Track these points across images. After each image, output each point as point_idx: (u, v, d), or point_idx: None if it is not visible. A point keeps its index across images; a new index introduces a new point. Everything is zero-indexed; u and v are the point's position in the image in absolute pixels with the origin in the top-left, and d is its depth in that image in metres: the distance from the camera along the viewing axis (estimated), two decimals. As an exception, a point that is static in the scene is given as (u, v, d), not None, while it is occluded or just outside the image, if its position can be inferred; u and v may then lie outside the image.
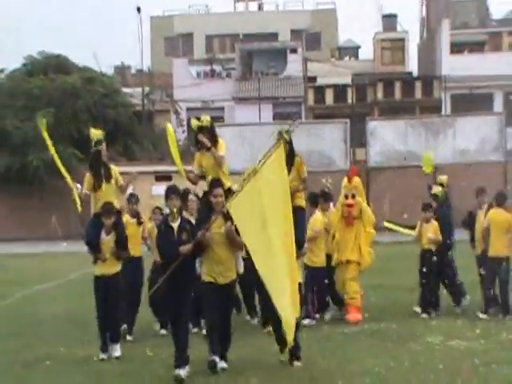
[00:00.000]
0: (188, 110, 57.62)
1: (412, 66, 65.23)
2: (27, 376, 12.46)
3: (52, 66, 52.57)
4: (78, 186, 14.42)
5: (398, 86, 57.80)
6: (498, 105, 54.09)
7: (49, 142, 15.17)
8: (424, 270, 17.34)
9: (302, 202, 14.31)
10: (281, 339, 12.13)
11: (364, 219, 16.67)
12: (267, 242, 11.30)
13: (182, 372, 11.50)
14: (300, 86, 58.48)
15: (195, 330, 14.86)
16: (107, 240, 13.32)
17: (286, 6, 72.79)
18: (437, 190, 18.22)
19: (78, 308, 18.06)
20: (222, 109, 56.24)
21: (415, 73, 64.03)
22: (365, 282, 17.88)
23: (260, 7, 74.09)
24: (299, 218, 12.95)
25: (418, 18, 70.26)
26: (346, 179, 16.80)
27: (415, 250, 18.00)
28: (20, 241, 44.38)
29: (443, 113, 54.74)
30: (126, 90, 56.79)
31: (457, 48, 58.22)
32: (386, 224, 19.65)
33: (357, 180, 16.84)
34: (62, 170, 15.22)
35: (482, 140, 46.53)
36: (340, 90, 58.67)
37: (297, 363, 12.25)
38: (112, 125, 46.19)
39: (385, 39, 65.04)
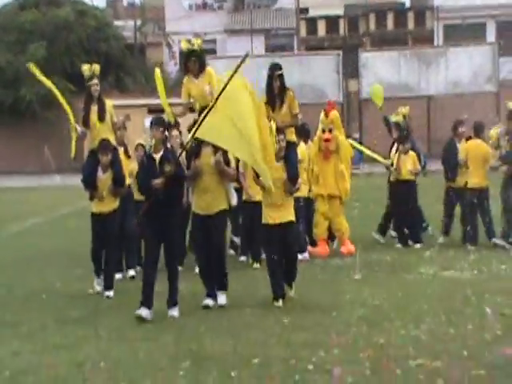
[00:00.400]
0: (180, 42, 57.33)
1: (404, -5, 64.93)
2: (23, 309, 12.56)
3: (44, 0, 52.27)
4: (78, 127, 14.14)
5: (390, 16, 57.77)
6: (491, 34, 53.96)
7: (48, 83, 14.58)
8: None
9: (293, 136, 13.87)
10: (277, 287, 12.12)
11: (340, 154, 16.69)
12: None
13: (175, 313, 11.49)
14: (292, 17, 58.33)
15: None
16: (104, 178, 13.02)
17: None
18: (398, 118, 18.29)
19: (72, 242, 18.13)
20: (214, 41, 56.07)
21: (408, 3, 63.63)
22: (356, 213, 18.11)
23: None
24: (291, 152, 12.79)
25: None
26: (322, 113, 16.77)
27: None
28: (14, 174, 44.59)
29: (436, 43, 54.61)
30: (117, 23, 56.71)
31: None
32: (364, 149, 19.67)
33: (334, 114, 16.76)
34: (67, 108, 14.67)
35: (475, 70, 46.57)
36: (332, 22, 58.60)
37: (290, 293, 12.39)
38: (104, 58, 46.11)
39: (376, -32, 64.67)
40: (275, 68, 14.19)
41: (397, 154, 17.61)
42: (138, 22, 57.11)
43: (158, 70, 15.64)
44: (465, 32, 53.92)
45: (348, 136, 18.79)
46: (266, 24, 57.69)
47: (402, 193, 17.75)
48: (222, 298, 12.07)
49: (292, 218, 12.29)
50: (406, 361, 9.11)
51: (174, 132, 14.74)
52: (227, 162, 11.83)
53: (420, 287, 13.34)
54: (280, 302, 11.85)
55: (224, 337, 10.28)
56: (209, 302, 11.92)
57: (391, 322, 10.89)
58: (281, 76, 13.94)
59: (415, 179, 17.93)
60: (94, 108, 13.73)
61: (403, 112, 18.21)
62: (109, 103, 14.08)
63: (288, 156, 12.31)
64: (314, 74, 47.08)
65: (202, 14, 59.34)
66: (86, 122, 13.69)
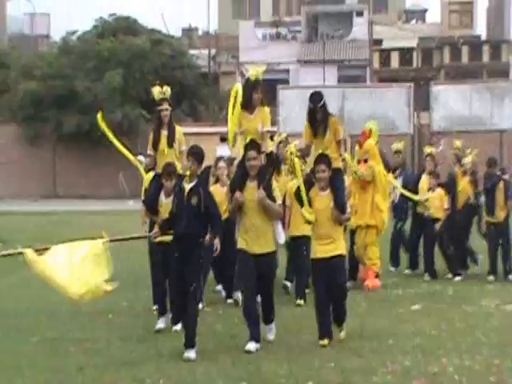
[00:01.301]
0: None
1: (480, 29, 64.72)
2: (89, 326, 12.83)
3: (121, 28, 53.08)
4: (140, 157, 14.12)
5: (465, 49, 57.57)
6: None
7: (111, 136, 14.13)
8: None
9: (339, 163, 13.02)
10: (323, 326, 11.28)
11: (377, 185, 16.28)
12: None
13: (191, 354, 10.43)
14: (365, 49, 58.37)
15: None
16: (166, 203, 12.09)
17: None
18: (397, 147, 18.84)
19: (140, 265, 18.23)
20: (287, 71, 56.37)
21: (483, 36, 63.44)
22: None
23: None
24: (337, 180, 11.96)
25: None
26: (357, 145, 16.67)
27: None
28: (89, 198, 45.08)
29: (511, 77, 54.33)
30: (192, 51, 57.20)
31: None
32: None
33: (369, 144, 16.40)
34: (127, 154, 14.22)
35: (549, 106, 46.21)
36: (406, 54, 58.55)
37: (342, 334, 11.55)
38: (178, 86, 46.39)
39: (453, 2, 64.70)
40: (316, 100, 13.56)
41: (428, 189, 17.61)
42: (213, 52, 57.63)
43: (238, 85, 14.12)
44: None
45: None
46: (339, 55, 57.80)
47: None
48: (270, 333, 11.44)
49: (342, 251, 11.52)
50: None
51: (221, 163, 14.57)
52: (272, 198, 10.96)
53: (479, 319, 13.23)
54: (325, 341, 11.00)
55: (280, 360, 10.33)
56: (251, 346, 10.82)
57: (447, 351, 10.88)
58: (322, 107, 13.29)
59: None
60: (164, 133, 13.59)
61: (398, 147, 18.64)
62: (179, 130, 13.86)
63: (334, 183, 11.49)
64: (385, 105, 46.92)
65: (275, 44, 59.59)
66: (155, 146, 13.56)
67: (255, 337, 10.83)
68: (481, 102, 46.47)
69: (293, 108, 41.51)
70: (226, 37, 61.94)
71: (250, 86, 12.90)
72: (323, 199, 11.16)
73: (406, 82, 50.22)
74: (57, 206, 39.55)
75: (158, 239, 12.13)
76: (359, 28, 59.12)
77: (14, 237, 25.18)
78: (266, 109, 13.07)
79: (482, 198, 18.11)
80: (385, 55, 58.60)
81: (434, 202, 17.29)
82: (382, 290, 16.20)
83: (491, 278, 17.21)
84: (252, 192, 10.88)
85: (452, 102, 46.75)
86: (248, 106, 12.80)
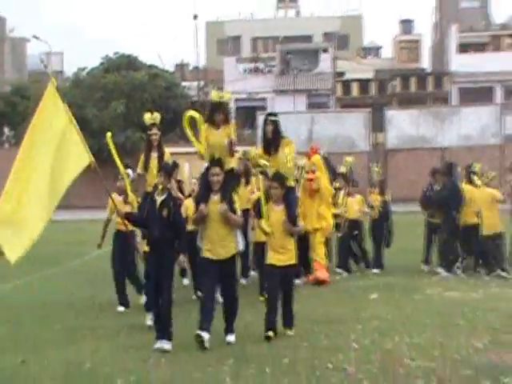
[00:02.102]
0: (236, 100, 57.97)
1: (425, 63, 64.93)
2: (101, 316, 12.91)
3: (124, 65, 53.10)
4: (129, 171, 13.56)
5: (413, 80, 57.72)
6: (498, 97, 53.85)
7: (113, 151, 12.82)
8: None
9: (291, 182, 12.79)
10: (270, 322, 10.74)
11: (321, 195, 16.04)
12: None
13: (166, 345, 10.09)
14: (330, 80, 58.54)
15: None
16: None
17: (320, 13, 72.75)
18: (343, 169, 18.42)
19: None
20: (265, 99, 56.51)
21: (428, 69, 63.69)
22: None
23: (297, 14, 74.00)
24: (290, 195, 11.48)
25: (430, 22, 70.12)
26: (306, 158, 16.25)
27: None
28: (95, 208, 45.01)
29: (451, 103, 54.66)
30: (184, 83, 57.25)
31: (463, 48, 57.98)
32: None
33: (316, 158, 16.20)
34: (120, 165, 13.20)
35: (483, 127, 46.54)
36: (364, 84, 58.71)
37: (290, 332, 11.00)
38: (172, 113, 46.44)
39: (402, 40, 64.87)
40: (269, 114, 13.84)
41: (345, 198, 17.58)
42: (201, 83, 57.72)
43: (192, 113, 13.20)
44: (476, 94, 53.96)
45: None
46: (308, 85, 57.78)
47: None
48: (231, 337, 10.62)
49: (294, 261, 10.99)
50: (408, 362, 9.29)
51: (193, 180, 14.20)
52: (234, 210, 10.37)
53: (425, 305, 13.38)
54: (271, 333, 10.51)
55: (261, 342, 10.43)
56: (230, 339, 10.51)
57: (399, 332, 11.01)
58: (274, 122, 13.30)
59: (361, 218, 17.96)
60: (154, 155, 13.34)
61: (349, 161, 18.11)
62: (167, 151, 13.58)
63: (287, 199, 11.02)
64: (347, 128, 47.27)
65: (254, 76, 59.57)
66: (146, 167, 13.35)
67: (206, 328, 10.16)
68: (426, 124, 47.01)
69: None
70: (212, 71, 62.03)
71: (213, 107, 12.44)
72: (277, 213, 10.76)
73: (364, 108, 50.56)
74: (70, 216, 39.48)
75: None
76: (324, 63, 59.30)
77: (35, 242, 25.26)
78: (232, 124, 12.70)
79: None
80: (346, 85, 58.65)
81: (354, 205, 17.46)
82: (345, 283, 16.25)
83: (440, 270, 17.12)
84: (215, 204, 10.30)
85: (403, 124, 47.27)
86: (213, 123, 12.35)
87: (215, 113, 12.33)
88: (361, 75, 59.52)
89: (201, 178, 12.02)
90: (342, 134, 46.57)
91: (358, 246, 18.06)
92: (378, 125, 48.03)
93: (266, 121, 13.40)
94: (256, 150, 13.35)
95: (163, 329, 10.17)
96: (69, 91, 49.53)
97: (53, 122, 10.41)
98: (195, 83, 57.27)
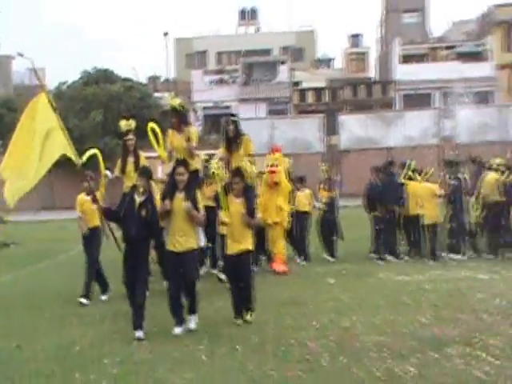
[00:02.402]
0: (204, 108, 58.14)
1: (372, 72, 65.34)
2: (87, 305, 12.60)
3: (101, 78, 52.80)
4: (107, 172, 13.30)
5: (361, 88, 58.05)
6: (437, 102, 54.34)
7: (99, 156, 12.90)
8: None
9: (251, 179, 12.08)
10: (236, 306, 10.76)
11: (280, 189, 15.94)
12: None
13: (140, 334, 9.87)
14: (287, 89, 58.66)
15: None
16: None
17: (277, 29, 72.88)
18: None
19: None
20: (229, 107, 56.44)
21: (375, 78, 64.09)
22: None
23: (257, 30, 74.11)
24: (249, 190, 11.16)
25: (376, 37, 70.61)
26: (269, 154, 16.17)
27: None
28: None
29: (396, 108, 55.06)
30: (156, 94, 57.12)
31: (405, 59, 58.42)
32: None
33: (278, 154, 16.12)
34: (101, 165, 13.04)
35: (424, 129, 47.00)
36: (318, 92, 58.94)
37: (249, 317, 10.69)
38: (146, 121, 45.95)
39: (352, 53, 65.28)
40: (231, 115, 14.11)
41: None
42: (172, 94, 57.62)
43: (152, 125, 13.73)
44: (417, 99, 54.40)
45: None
46: (268, 94, 57.93)
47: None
48: (192, 323, 10.32)
49: (250, 247, 10.78)
50: (362, 337, 9.48)
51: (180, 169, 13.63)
52: (197, 208, 10.18)
53: (377, 288, 13.50)
54: (239, 321, 10.52)
55: (232, 324, 10.48)
56: (177, 330, 10.14)
57: (355, 312, 11.16)
58: (235, 122, 13.49)
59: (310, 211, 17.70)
60: (131, 159, 13.16)
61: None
62: (142, 155, 13.35)
63: (246, 193, 10.84)
64: (303, 131, 47.48)
65: (219, 87, 59.58)
66: (123, 170, 13.15)
67: (193, 310, 10.33)
68: (374, 127, 47.44)
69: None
70: (181, 82, 61.96)
71: (170, 113, 12.58)
72: (237, 205, 10.64)
73: (318, 114, 50.83)
74: (55, 216, 39.25)
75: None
76: (282, 73, 59.44)
77: (24, 240, 25.17)
78: (193, 129, 12.52)
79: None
80: (302, 93, 58.74)
81: (303, 199, 17.36)
82: (307, 269, 16.26)
83: (389, 257, 17.25)
84: (180, 201, 10.11)
85: (353, 127, 47.64)
86: (175, 128, 12.36)
87: (171, 118, 12.48)
88: (315, 84, 59.73)
89: (168, 177, 11.64)
90: (299, 137, 46.80)
91: (303, 238, 17.75)
92: (331, 128, 48.30)
93: (227, 121, 13.52)
94: (217, 164, 12.42)
95: (139, 318, 10.04)
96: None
97: (43, 121, 10.71)
98: (166, 94, 57.17)
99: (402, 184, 17.62)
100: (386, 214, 17.43)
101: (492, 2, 62.24)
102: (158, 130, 13.35)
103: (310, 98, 58.77)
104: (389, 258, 17.26)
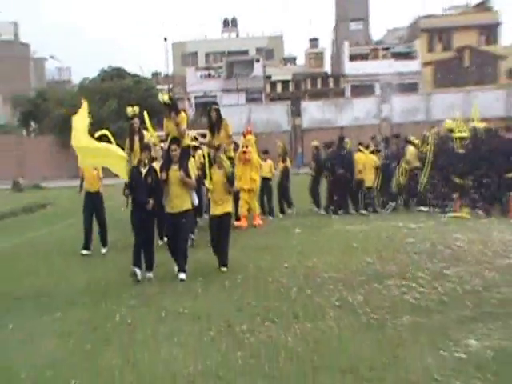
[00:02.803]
0: (195, 97, 57.77)
1: (327, 68, 65.13)
2: (120, 257, 12.29)
3: (115, 74, 52.36)
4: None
5: (319, 80, 57.91)
6: (377, 91, 54.30)
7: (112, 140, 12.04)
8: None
9: (231, 153, 13.30)
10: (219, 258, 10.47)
11: (252, 164, 15.76)
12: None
13: (150, 274, 9.99)
14: (261, 81, 58.41)
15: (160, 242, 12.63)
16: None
17: (253, 34, 72.33)
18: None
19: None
20: (215, 97, 56.17)
21: (329, 72, 63.92)
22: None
23: (237, 35, 73.42)
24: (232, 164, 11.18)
25: (330, 39, 70.35)
26: (242, 136, 15.90)
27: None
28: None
29: (346, 96, 55.04)
30: (159, 86, 56.73)
31: (352, 57, 58.27)
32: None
33: (249, 137, 15.85)
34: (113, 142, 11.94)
35: (368, 111, 47.14)
36: (285, 84, 58.73)
37: (224, 269, 10.32)
38: (150, 108, 45.74)
39: (311, 53, 64.79)
40: (212, 104, 13.83)
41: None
42: (171, 86, 57.25)
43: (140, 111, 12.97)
44: (362, 89, 54.49)
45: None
46: (246, 85, 57.59)
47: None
48: (182, 275, 9.81)
49: (229, 209, 10.67)
50: (322, 274, 9.59)
51: (157, 147, 12.53)
52: (189, 176, 10.11)
53: (333, 236, 13.57)
54: (224, 269, 10.24)
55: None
56: (182, 276, 9.81)
57: (316, 254, 11.23)
58: (216, 110, 13.23)
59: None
60: (136, 138, 12.67)
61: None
62: (145, 135, 12.76)
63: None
64: (274, 115, 47.49)
65: (208, 80, 59.08)
66: (131, 148, 12.60)
67: (182, 268, 9.92)
68: (329, 111, 47.44)
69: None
70: (178, 77, 61.54)
71: (164, 105, 11.86)
72: (219, 174, 10.44)
73: (286, 101, 50.77)
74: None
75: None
76: (257, 69, 59.06)
77: (56, 201, 25.14)
78: (182, 115, 11.90)
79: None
80: (273, 84, 58.54)
81: (266, 168, 17.04)
82: (276, 223, 16.18)
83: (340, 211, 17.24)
84: (175, 172, 9.96)
85: (313, 111, 47.61)
86: (167, 116, 11.85)
87: (166, 108, 11.91)
88: (283, 77, 59.48)
89: (165, 152, 11.46)
90: (271, 119, 46.86)
91: (268, 199, 17.70)
92: (295, 112, 48.33)
93: (210, 109, 13.30)
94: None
95: (150, 261, 10.05)
96: (75, 95, 48.82)
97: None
98: (166, 86, 56.89)
99: (351, 154, 17.56)
100: (337, 177, 17.31)
101: (418, 14, 62.13)
102: (147, 118, 12.51)
103: (279, 88, 58.52)
104: (339, 212, 17.28)
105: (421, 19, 59.74)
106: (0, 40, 60.22)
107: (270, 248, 12.25)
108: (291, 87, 58.24)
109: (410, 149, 17.86)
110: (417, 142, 18.11)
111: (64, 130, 51.39)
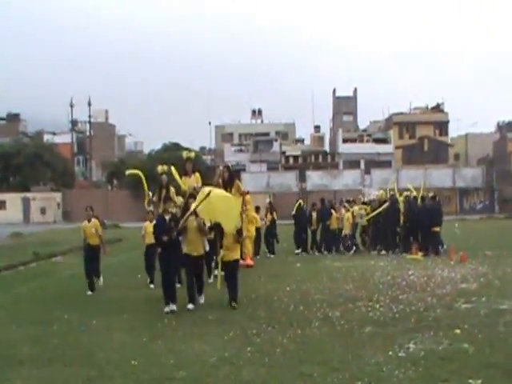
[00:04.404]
0: (231, 166, 58.18)
1: (327, 147, 65.25)
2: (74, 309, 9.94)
3: (173, 147, 52.79)
4: (150, 193, 11.73)
5: (320, 156, 58.22)
6: (362, 165, 53.44)
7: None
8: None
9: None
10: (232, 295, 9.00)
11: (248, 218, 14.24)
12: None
13: (174, 307, 8.68)
14: (278, 155, 58.50)
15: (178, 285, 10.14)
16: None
17: (273, 121, 73.14)
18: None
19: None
20: (245, 165, 56.64)
21: (328, 150, 64.13)
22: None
23: (262, 121, 74.09)
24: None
25: (328, 127, 70.86)
26: (241, 196, 12.75)
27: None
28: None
29: (340, 168, 54.96)
30: (204, 157, 57.44)
31: (344, 141, 58.52)
32: None
33: (247, 197, 14.35)
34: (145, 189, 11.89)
35: (354, 180, 46.75)
36: (296, 158, 58.84)
37: (234, 304, 8.90)
38: (199, 172, 45.73)
39: (315, 136, 65.14)
40: (224, 166, 12.41)
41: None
42: (213, 157, 57.91)
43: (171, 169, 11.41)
44: (351, 163, 54.45)
45: None
46: (267, 158, 57.03)
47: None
48: (202, 298, 9.22)
49: (237, 257, 9.46)
50: (312, 296, 9.62)
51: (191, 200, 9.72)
52: (204, 224, 9.03)
53: (325, 268, 13.52)
54: (234, 304, 8.83)
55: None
56: (190, 306, 8.82)
57: (309, 281, 11.24)
58: (228, 169, 11.96)
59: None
60: (164, 191, 10.97)
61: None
62: (171, 189, 11.12)
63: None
64: (286, 180, 46.52)
65: (240, 153, 59.28)
66: (159, 198, 10.95)
67: (192, 300, 8.90)
68: (326, 179, 46.77)
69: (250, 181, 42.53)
70: (218, 150, 62.36)
71: (185, 162, 11.06)
72: None
73: (295, 170, 50.48)
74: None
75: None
76: (276, 146, 59.14)
77: (128, 237, 24.84)
78: (197, 175, 10.97)
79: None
80: (287, 158, 58.68)
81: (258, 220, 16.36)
82: (281, 258, 15.84)
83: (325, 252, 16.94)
84: (192, 221, 8.86)
85: (315, 178, 47.19)
86: (186, 174, 10.89)
87: (185, 165, 10.83)
88: (294, 153, 59.94)
89: (183, 205, 10.30)
90: (284, 183, 46.92)
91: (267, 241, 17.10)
92: (302, 178, 48.26)
93: (222, 168, 12.01)
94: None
95: (173, 295, 8.80)
96: (146, 162, 49.77)
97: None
98: (209, 157, 57.71)
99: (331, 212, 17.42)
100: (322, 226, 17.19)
101: (391, 111, 63.19)
102: (174, 172, 11.29)
103: (291, 160, 58.67)
104: (326, 252, 17.07)
105: (393, 115, 60.81)
106: (96, 122, 61.84)
107: (277, 276, 12.27)
108: (300, 160, 58.61)
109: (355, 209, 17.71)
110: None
111: (136, 186, 52.15)
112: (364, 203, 18.38)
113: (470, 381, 5.07)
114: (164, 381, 5.38)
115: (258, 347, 6.46)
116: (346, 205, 17.95)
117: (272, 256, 16.64)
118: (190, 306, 8.81)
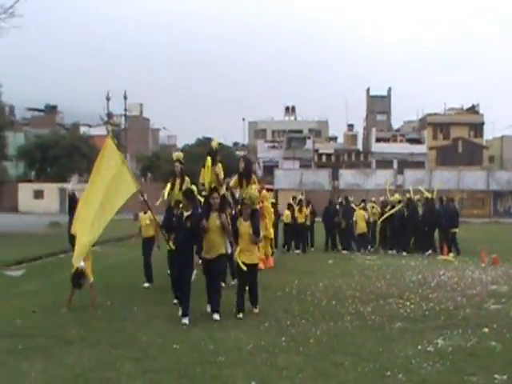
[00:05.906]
0: (263, 162, 58.37)
1: (360, 146, 64.83)
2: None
3: (206, 142, 53.02)
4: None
5: (353, 155, 57.99)
6: (395, 165, 53.21)
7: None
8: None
9: (257, 205, 8.93)
10: (240, 305, 8.01)
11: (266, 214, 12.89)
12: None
13: (185, 320, 7.48)
14: (311, 153, 58.63)
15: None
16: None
17: (307, 118, 72.84)
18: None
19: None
20: (278, 162, 56.82)
21: (361, 149, 63.67)
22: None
23: (295, 118, 73.80)
24: (255, 216, 8.42)
25: (362, 126, 70.34)
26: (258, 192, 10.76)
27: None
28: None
29: (372, 167, 54.56)
30: (237, 152, 57.51)
31: (378, 140, 58.27)
32: None
33: (264, 193, 13.08)
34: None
35: (386, 180, 46.67)
36: (329, 156, 58.70)
37: (255, 310, 8.25)
38: (227, 166, 45.13)
39: (349, 134, 64.82)
40: (241, 157, 11.48)
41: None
42: (246, 152, 57.84)
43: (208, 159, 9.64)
44: (384, 163, 53.86)
45: None
46: (300, 155, 57.40)
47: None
48: (216, 316, 7.76)
49: (256, 261, 8.35)
50: (344, 292, 9.74)
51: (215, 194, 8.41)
52: (227, 222, 8.17)
53: (357, 265, 13.66)
54: (241, 315, 7.84)
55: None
56: (216, 317, 7.75)
57: (342, 277, 11.37)
58: (246, 160, 10.68)
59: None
60: (178, 180, 9.80)
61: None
62: (187, 179, 9.88)
63: (253, 217, 8.27)
64: (319, 178, 46.38)
65: (273, 150, 59.62)
66: (172, 187, 9.82)
67: (215, 308, 7.86)
68: (359, 178, 46.25)
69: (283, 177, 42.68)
70: (252, 146, 62.50)
71: (213, 152, 9.61)
72: (245, 226, 8.18)
73: (328, 168, 50.34)
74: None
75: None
76: (309, 144, 59.30)
77: None
78: (219, 165, 9.55)
79: None
80: (320, 156, 58.61)
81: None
82: (315, 255, 16.07)
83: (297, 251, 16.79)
84: (214, 219, 8.01)
85: (348, 177, 46.62)
86: (214, 163, 9.51)
87: (214, 156, 9.62)
88: (327, 151, 59.78)
89: (204, 201, 9.41)
90: (317, 181, 46.51)
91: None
92: (335, 177, 48.00)
93: (239, 159, 10.68)
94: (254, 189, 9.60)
95: (185, 306, 7.64)
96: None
97: (109, 162, 7.81)
98: (242, 153, 57.84)
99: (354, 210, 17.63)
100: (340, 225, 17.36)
101: (425, 112, 62.16)
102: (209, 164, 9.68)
103: (324, 158, 58.58)
104: (361, 250, 17.22)
105: (428, 115, 59.92)
106: (131, 115, 62.92)
107: (310, 272, 12.37)
108: (333, 158, 58.43)
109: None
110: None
111: (169, 179, 51.86)
112: (382, 203, 18.33)
113: (496, 376, 5.24)
114: (205, 364, 5.60)
115: (292, 337, 6.61)
116: (363, 204, 18.13)
117: (299, 251, 16.77)
118: (216, 315, 7.77)
